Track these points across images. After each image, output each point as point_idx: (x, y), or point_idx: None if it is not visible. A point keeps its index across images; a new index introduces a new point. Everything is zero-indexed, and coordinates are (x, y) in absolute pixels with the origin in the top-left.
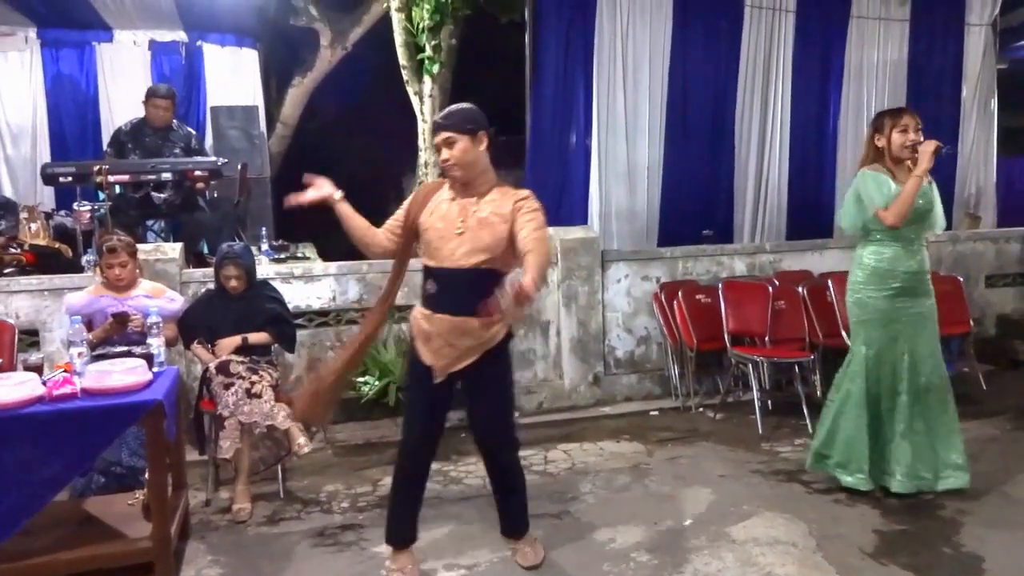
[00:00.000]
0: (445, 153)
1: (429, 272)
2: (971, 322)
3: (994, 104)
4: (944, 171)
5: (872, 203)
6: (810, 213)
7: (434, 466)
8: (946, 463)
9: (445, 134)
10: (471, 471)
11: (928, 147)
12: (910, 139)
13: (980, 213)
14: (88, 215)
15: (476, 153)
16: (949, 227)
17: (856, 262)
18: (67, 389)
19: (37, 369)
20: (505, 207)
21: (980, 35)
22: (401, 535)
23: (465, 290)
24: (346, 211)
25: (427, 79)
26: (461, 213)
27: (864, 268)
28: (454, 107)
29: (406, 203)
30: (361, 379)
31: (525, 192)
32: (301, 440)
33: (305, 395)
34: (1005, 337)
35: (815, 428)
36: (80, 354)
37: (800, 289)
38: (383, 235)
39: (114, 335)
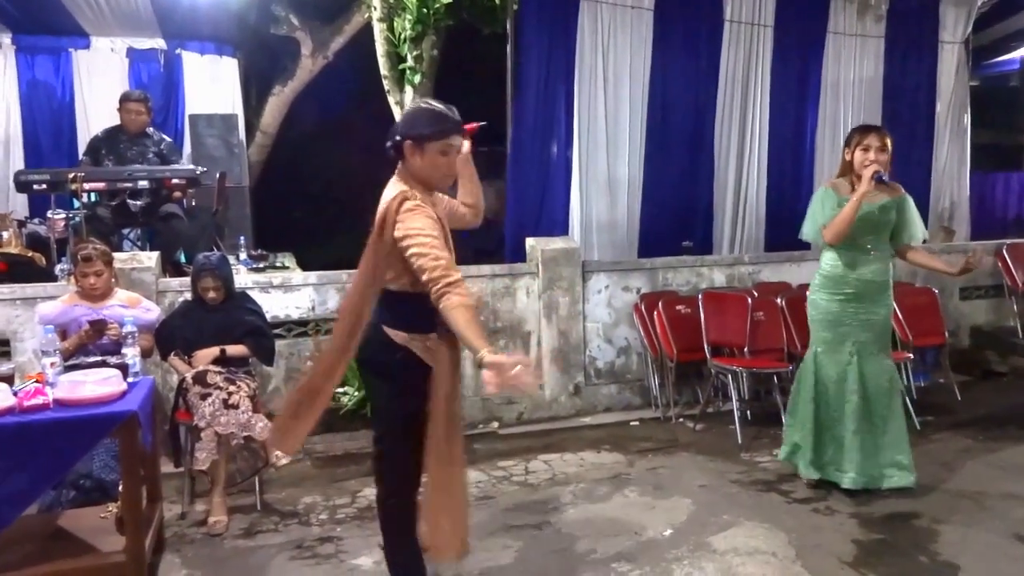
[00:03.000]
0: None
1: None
2: (946, 334)
3: (967, 120)
4: (919, 185)
5: (815, 219)
6: (788, 225)
7: None
8: (891, 462)
9: (459, 138)
10: None
11: (866, 173)
12: (868, 159)
13: (954, 227)
14: (62, 223)
15: None
16: (923, 240)
17: (819, 267)
18: (39, 400)
19: (8, 380)
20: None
21: (953, 52)
22: None
23: None
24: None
25: (409, 89)
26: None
27: (821, 273)
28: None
29: (430, 211)
30: (340, 390)
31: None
32: (279, 451)
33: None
34: (979, 348)
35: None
36: (53, 364)
37: (778, 300)
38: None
39: (89, 343)
